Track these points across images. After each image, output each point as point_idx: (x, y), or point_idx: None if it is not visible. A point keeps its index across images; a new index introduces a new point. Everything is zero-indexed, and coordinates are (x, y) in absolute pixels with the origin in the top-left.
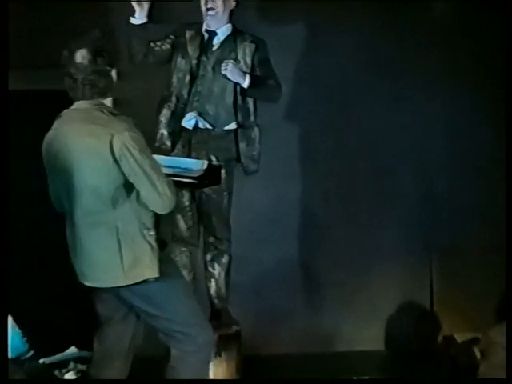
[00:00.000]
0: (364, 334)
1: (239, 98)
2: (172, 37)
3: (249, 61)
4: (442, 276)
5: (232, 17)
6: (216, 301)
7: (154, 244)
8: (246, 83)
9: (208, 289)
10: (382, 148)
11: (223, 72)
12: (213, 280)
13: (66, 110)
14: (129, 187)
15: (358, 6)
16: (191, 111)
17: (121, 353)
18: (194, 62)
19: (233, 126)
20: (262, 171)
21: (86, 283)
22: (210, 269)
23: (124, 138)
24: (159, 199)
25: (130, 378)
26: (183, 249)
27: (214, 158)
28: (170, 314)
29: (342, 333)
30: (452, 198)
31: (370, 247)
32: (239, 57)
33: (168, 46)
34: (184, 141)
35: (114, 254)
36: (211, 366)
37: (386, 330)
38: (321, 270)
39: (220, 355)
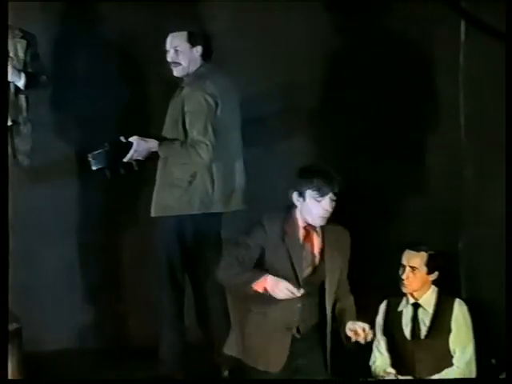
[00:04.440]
0: None
1: (12, 95)
2: None
3: (21, 57)
4: None
5: None
6: None
7: None
8: (21, 83)
9: None
10: None
11: None
12: None
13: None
14: None
15: None
16: None
17: None
18: None
19: (8, 122)
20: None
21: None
22: None
23: None
24: None
25: None
26: None
27: None
28: None
29: None
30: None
31: None
32: (11, 54)
33: None
34: None
35: None
36: None
37: None
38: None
39: None
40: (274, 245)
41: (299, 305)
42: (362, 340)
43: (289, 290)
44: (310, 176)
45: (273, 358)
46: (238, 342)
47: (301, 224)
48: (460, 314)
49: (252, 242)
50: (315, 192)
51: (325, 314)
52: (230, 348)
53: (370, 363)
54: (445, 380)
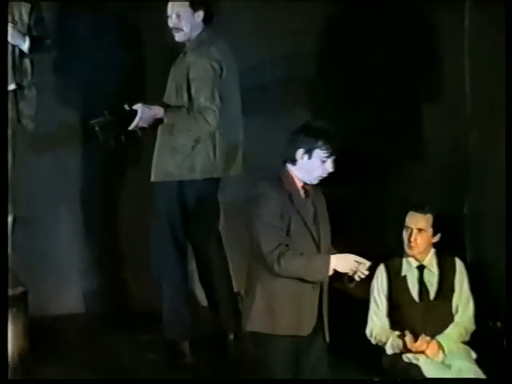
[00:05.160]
0: None
1: (17, 59)
2: None
3: (26, 21)
4: None
5: None
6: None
7: None
8: (26, 47)
9: None
10: None
11: None
12: None
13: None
14: None
15: None
16: None
17: None
18: None
19: (12, 86)
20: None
21: None
22: None
23: None
24: None
25: None
26: None
27: None
28: None
29: None
30: None
31: None
32: (16, 17)
33: None
34: None
35: None
36: None
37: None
38: None
39: None
40: (287, 210)
41: None
42: (362, 273)
43: (357, 262)
44: (319, 135)
45: (306, 319)
46: (265, 314)
47: (298, 183)
48: (461, 271)
49: (278, 220)
50: (324, 152)
51: None
52: (255, 324)
53: (367, 331)
54: (446, 380)
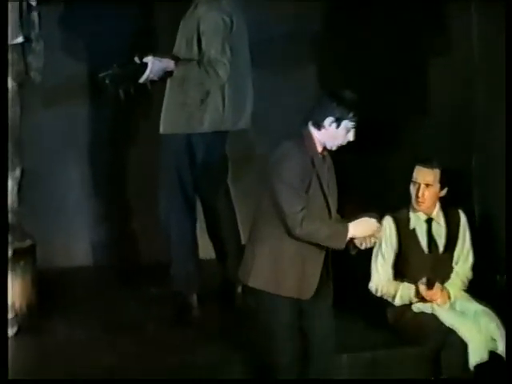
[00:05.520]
0: None
1: (25, 12)
2: None
3: None
4: None
5: None
6: (9, 215)
7: None
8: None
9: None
10: None
11: None
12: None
13: None
14: None
15: None
16: None
17: None
18: None
19: (20, 39)
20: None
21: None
22: None
23: None
24: None
25: None
26: None
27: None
28: None
29: None
30: None
31: None
32: None
33: None
34: None
35: None
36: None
37: None
38: None
39: (15, 269)
40: (308, 173)
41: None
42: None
43: (372, 224)
44: (352, 106)
45: (309, 282)
46: (269, 274)
47: (319, 147)
48: (464, 223)
49: (299, 182)
50: (352, 123)
51: None
52: (258, 281)
53: (371, 285)
54: (447, 380)
